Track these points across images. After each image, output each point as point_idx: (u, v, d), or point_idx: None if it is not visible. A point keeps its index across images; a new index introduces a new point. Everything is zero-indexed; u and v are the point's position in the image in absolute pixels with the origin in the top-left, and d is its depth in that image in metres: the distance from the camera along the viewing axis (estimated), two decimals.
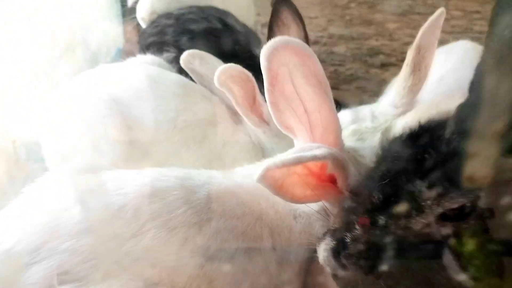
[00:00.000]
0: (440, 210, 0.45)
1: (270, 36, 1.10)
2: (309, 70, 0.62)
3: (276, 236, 0.70)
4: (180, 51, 1.21)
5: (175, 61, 1.18)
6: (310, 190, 0.65)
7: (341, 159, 0.63)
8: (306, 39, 1.10)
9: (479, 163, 0.43)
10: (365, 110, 0.94)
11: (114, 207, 0.59)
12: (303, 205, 0.71)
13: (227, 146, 0.99)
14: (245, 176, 0.74)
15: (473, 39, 1.27)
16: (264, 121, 0.92)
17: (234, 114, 0.99)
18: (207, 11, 1.27)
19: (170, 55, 1.22)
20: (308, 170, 0.65)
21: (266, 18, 1.21)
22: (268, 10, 1.20)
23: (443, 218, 0.46)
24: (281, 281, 0.70)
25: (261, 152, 1.01)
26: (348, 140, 0.85)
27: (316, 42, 2.19)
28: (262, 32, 1.62)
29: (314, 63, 0.62)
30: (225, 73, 0.83)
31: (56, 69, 1.27)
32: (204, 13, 1.26)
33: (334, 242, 0.52)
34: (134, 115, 0.93)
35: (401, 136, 0.56)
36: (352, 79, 1.92)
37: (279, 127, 0.68)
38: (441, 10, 0.84)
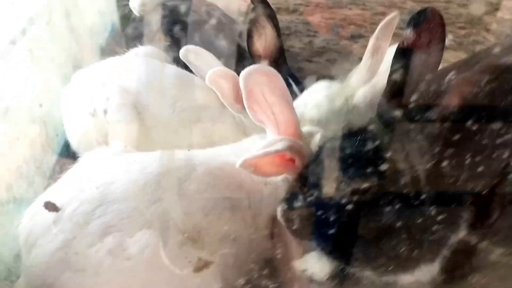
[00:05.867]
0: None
1: (249, 33, 1.33)
2: (275, 85, 0.88)
3: (251, 198, 1.00)
4: (174, 40, 1.44)
5: (170, 49, 1.41)
6: (276, 168, 0.93)
7: (297, 147, 0.91)
8: (279, 36, 1.33)
9: None
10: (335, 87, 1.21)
11: (140, 183, 0.88)
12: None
13: (216, 126, 1.25)
14: (228, 154, 1.02)
15: None
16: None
17: None
18: (197, 4, 1.48)
19: (165, 44, 1.44)
20: (276, 154, 0.93)
21: None
22: None
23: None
24: (254, 229, 1.00)
25: (243, 129, 1.28)
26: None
27: (294, 11, 2.34)
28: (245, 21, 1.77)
29: (278, 80, 0.89)
30: (214, 74, 1.08)
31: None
32: (194, 6, 1.47)
33: (285, 205, 0.81)
34: (142, 102, 1.18)
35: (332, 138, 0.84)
36: (323, 52, 2.02)
37: (254, 122, 0.95)
38: (394, 14, 1.09)
